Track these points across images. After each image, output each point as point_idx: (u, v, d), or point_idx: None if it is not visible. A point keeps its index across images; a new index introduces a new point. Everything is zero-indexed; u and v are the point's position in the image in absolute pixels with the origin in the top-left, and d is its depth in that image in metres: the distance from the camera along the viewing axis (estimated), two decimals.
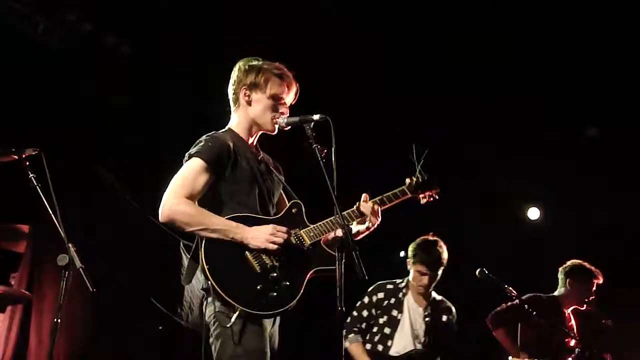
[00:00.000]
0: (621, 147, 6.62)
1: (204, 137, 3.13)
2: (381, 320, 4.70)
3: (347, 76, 6.03)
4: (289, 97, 3.25)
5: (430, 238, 4.83)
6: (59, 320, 3.24)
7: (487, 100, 6.43)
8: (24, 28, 5.30)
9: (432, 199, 3.44)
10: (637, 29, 5.63)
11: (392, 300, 4.74)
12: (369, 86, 6.23)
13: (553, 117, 6.56)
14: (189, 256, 3.08)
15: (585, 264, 5.35)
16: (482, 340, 5.74)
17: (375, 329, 4.70)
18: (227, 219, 2.95)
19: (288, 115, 3.20)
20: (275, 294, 2.87)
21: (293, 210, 3.15)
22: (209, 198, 3.03)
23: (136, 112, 5.94)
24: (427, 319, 4.74)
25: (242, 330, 2.83)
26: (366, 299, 4.75)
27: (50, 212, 3.33)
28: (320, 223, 3.10)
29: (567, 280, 5.37)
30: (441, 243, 4.80)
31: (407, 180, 3.39)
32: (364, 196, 3.27)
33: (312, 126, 2.97)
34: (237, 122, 3.24)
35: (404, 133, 6.57)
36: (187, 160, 3.05)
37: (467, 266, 4.90)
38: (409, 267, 4.88)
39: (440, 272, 4.76)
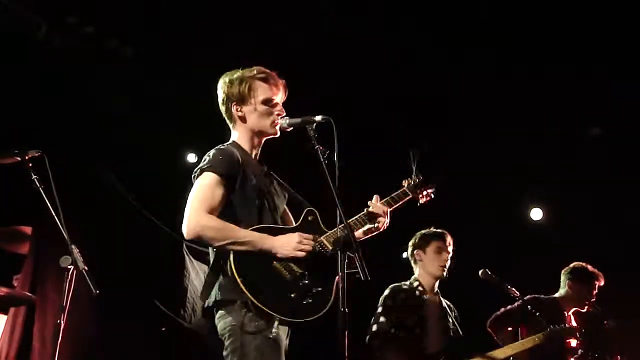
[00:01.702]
0: (623, 147, 6.62)
1: (213, 150, 3.12)
2: (408, 322, 4.60)
3: (347, 77, 6.04)
4: (280, 97, 3.23)
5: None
6: (62, 322, 3.25)
7: (487, 101, 6.43)
8: (26, 30, 5.31)
9: (430, 197, 3.48)
10: (638, 28, 5.63)
11: (414, 300, 4.67)
12: (368, 86, 6.23)
13: (554, 118, 6.56)
14: (192, 258, 3.09)
15: (588, 266, 5.35)
16: (481, 341, 5.73)
17: (403, 333, 4.57)
18: (251, 230, 2.96)
19: (285, 114, 3.19)
20: (310, 300, 2.89)
21: (309, 218, 3.16)
22: (226, 215, 3.01)
23: (138, 114, 5.95)
24: (446, 314, 4.73)
25: (261, 346, 2.82)
26: (389, 302, 4.66)
27: (53, 214, 3.34)
28: (338, 228, 3.09)
29: (568, 281, 5.38)
30: None
31: (405, 182, 3.41)
32: (375, 197, 3.28)
33: (314, 127, 2.97)
34: (238, 136, 3.23)
35: (404, 133, 6.61)
36: (199, 175, 3.03)
37: (470, 267, 4.91)
38: (418, 258, 4.82)
39: None
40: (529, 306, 4.83)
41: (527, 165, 6.92)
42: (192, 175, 3.09)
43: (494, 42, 5.90)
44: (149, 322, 5.69)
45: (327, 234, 3.10)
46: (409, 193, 3.40)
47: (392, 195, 3.35)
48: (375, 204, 3.25)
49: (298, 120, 3.08)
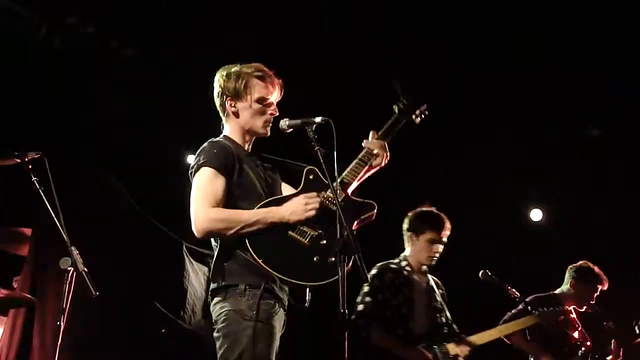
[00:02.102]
0: (624, 148, 6.62)
1: (206, 144, 3.13)
2: (395, 302, 4.50)
3: (347, 77, 6.04)
4: (275, 96, 3.23)
5: (430, 207, 4.74)
6: (62, 324, 3.25)
7: (488, 101, 6.42)
8: (26, 31, 5.31)
9: (424, 115, 3.44)
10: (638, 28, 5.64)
11: (402, 279, 4.56)
12: (368, 86, 6.22)
13: (555, 118, 6.56)
14: (191, 260, 3.09)
15: (595, 267, 5.34)
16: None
17: (389, 312, 4.48)
18: (257, 207, 2.96)
19: (278, 114, 3.20)
20: (333, 258, 2.84)
21: (310, 177, 3.15)
22: (227, 206, 3.01)
23: (138, 115, 5.95)
24: (433, 294, 4.66)
25: (255, 333, 2.82)
26: (376, 281, 4.52)
27: (53, 215, 3.34)
28: (343, 174, 3.10)
29: (572, 280, 5.36)
30: None
31: (395, 107, 3.37)
32: (371, 133, 3.28)
33: (314, 129, 2.97)
34: (230, 130, 3.24)
35: (405, 134, 6.60)
36: (196, 171, 3.04)
37: (470, 267, 4.90)
38: (410, 240, 4.70)
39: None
40: (529, 307, 4.82)
41: (527, 166, 6.92)
42: (189, 172, 3.10)
43: (494, 42, 5.90)
44: (148, 323, 5.69)
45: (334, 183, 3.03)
46: (402, 117, 3.36)
47: (386, 125, 3.33)
48: (372, 141, 3.24)
49: (298, 121, 3.07)
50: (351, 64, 5.93)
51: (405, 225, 4.78)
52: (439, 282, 4.84)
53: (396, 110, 3.37)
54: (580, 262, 5.45)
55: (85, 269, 3.24)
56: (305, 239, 2.94)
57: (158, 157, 6.13)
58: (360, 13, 5.67)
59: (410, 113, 3.39)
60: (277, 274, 2.84)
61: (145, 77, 5.85)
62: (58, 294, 3.37)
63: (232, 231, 2.91)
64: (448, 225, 4.64)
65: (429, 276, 4.77)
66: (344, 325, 2.61)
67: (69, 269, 3.33)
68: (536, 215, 7.60)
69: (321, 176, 3.11)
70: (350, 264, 2.75)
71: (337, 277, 2.75)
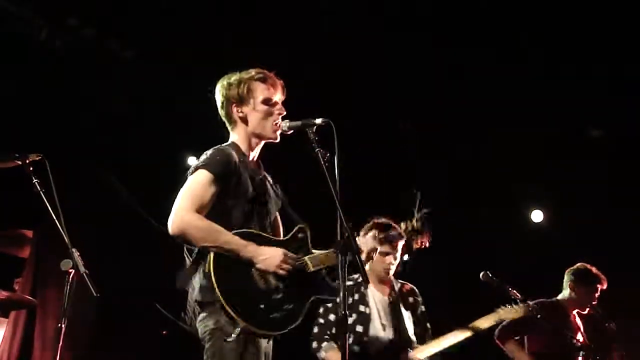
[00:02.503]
0: (625, 149, 6.62)
1: (210, 150, 3.10)
2: (350, 320, 4.41)
3: (348, 78, 6.04)
4: (279, 96, 3.22)
5: (382, 219, 4.62)
6: (63, 325, 3.25)
7: (489, 101, 6.43)
8: (27, 33, 5.32)
9: (423, 245, 3.41)
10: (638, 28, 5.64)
11: (357, 297, 4.50)
12: (368, 87, 6.23)
13: (556, 118, 6.56)
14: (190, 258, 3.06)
15: (592, 268, 5.32)
16: (485, 342, 5.73)
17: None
18: (235, 233, 2.93)
19: (285, 115, 3.18)
20: (278, 314, 2.86)
21: (299, 235, 3.13)
22: (214, 213, 2.99)
23: (139, 117, 5.96)
24: (394, 305, 4.57)
25: (240, 351, 2.80)
26: (329, 304, 4.46)
27: (54, 217, 3.34)
28: (324, 253, 3.08)
29: (571, 283, 5.35)
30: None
31: (402, 225, 3.37)
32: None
33: (314, 130, 2.95)
34: (237, 138, 3.21)
35: (406, 135, 6.61)
36: (193, 172, 3.01)
37: (471, 268, 4.89)
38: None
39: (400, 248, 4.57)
40: (530, 309, 4.81)
41: (528, 168, 6.91)
42: (187, 173, 3.07)
43: (494, 42, 5.90)
44: (149, 325, 5.69)
45: (312, 255, 3.07)
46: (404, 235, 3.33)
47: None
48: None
49: (298, 123, 3.06)
50: (351, 64, 5.93)
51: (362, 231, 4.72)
52: (415, 289, 4.77)
53: (402, 228, 3.37)
54: (577, 264, 5.44)
55: (86, 271, 3.24)
56: (264, 284, 2.91)
57: (158, 158, 6.14)
58: (360, 13, 5.68)
59: (413, 237, 3.43)
60: (221, 297, 2.78)
61: (145, 77, 5.86)
62: (59, 295, 3.37)
63: (203, 244, 2.88)
64: (402, 240, 4.52)
65: (399, 283, 4.72)
66: (345, 327, 2.61)
67: (70, 270, 3.34)
68: (537, 216, 7.59)
69: (309, 240, 3.12)
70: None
71: (272, 333, 2.86)
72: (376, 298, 4.57)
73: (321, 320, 4.46)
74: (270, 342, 3.05)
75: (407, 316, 4.58)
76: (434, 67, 6.13)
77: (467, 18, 5.77)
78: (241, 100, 3.15)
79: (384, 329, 4.48)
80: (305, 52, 5.71)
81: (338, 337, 4.32)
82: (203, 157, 3.07)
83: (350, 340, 4.38)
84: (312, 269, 3.03)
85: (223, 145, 3.17)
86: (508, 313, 4.62)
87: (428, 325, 4.67)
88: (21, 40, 5.29)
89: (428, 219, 3.35)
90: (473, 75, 6.16)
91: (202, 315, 2.91)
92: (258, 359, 2.87)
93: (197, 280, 2.94)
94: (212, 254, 2.86)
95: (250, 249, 2.90)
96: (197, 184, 2.97)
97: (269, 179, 3.31)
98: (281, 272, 2.91)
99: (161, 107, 6.04)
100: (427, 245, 3.33)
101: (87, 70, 5.62)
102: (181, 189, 2.99)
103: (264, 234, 3.04)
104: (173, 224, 2.92)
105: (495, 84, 6.22)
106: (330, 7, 5.55)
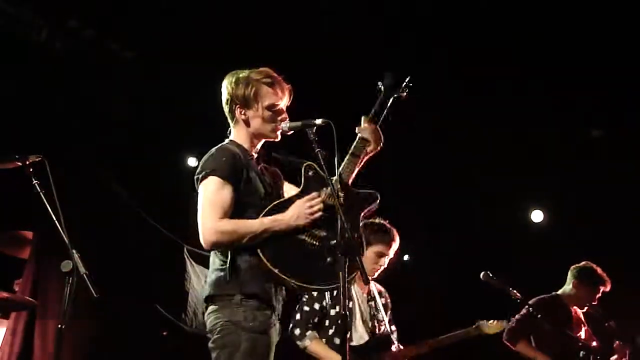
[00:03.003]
0: (625, 149, 6.62)
1: (213, 150, 3.08)
2: (333, 312, 4.46)
3: (347, 79, 6.04)
4: (284, 102, 3.20)
5: (381, 220, 4.67)
6: (63, 327, 3.25)
7: (489, 101, 6.43)
8: (27, 34, 5.32)
9: (408, 88, 3.38)
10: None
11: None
12: (367, 88, 6.22)
13: (556, 118, 6.56)
14: (193, 262, 3.07)
15: (597, 268, 5.32)
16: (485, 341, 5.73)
17: (327, 322, 4.45)
18: (262, 216, 2.94)
19: (288, 119, 3.17)
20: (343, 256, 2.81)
21: (310, 174, 3.11)
22: (235, 215, 2.99)
23: (139, 117, 5.96)
24: (372, 303, 4.63)
25: (253, 344, 2.81)
26: (315, 292, 4.42)
27: (54, 218, 3.34)
28: (340, 169, 3.07)
29: (575, 280, 5.35)
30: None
31: (379, 86, 3.33)
32: (363, 119, 3.22)
33: (314, 130, 2.95)
34: (237, 136, 3.20)
35: (406, 135, 6.61)
36: (203, 178, 2.99)
37: (471, 269, 4.90)
38: None
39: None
40: (531, 309, 4.82)
41: (529, 168, 6.92)
42: (195, 178, 3.05)
43: (494, 42, 5.90)
44: (150, 326, 5.69)
45: (333, 180, 2.99)
46: (389, 95, 3.31)
47: (374, 107, 3.27)
48: (363, 127, 3.19)
49: (298, 123, 3.06)
50: (351, 64, 5.93)
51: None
52: (383, 290, 4.81)
53: (381, 89, 3.32)
54: (583, 262, 5.43)
55: (87, 272, 3.24)
56: (315, 241, 2.93)
57: (158, 159, 6.14)
58: (360, 13, 5.68)
59: (395, 88, 3.33)
60: (297, 282, 2.84)
61: (145, 77, 5.86)
62: (59, 296, 3.37)
63: (240, 243, 2.89)
64: (397, 240, 4.63)
65: (372, 285, 4.72)
66: (345, 326, 2.61)
67: (71, 271, 3.33)
68: (537, 216, 7.60)
69: (320, 171, 3.07)
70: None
71: (353, 275, 2.81)
72: (358, 293, 4.61)
73: (306, 308, 4.45)
74: (277, 336, 3.02)
75: (383, 314, 4.63)
76: (433, 66, 6.13)
77: (467, 18, 5.78)
78: (246, 103, 3.13)
79: (366, 324, 4.53)
80: (305, 52, 5.71)
81: (338, 335, 4.37)
82: (209, 159, 3.05)
83: (331, 332, 4.42)
84: (341, 192, 2.96)
85: (225, 143, 3.16)
86: (488, 328, 4.70)
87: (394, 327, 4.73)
88: (21, 41, 5.29)
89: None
90: (473, 75, 6.16)
91: (213, 307, 2.91)
92: (269, 350, 2.88)
93: (212, 276, 2.96)
94: (258, 249, 2.87)
95: (279, 221, 2.92)
96: (211, 193, 2.95)
97: (267, 168, 3.28)
98: (314, 216, 2.93)
99: (161, 108, 6.04)
100: (411, 84, 3.33)
101: (87, 71, 5.62)
102: (199, 203, 2.98)
103: (282, 199, 3.05)
104: (204, 240, 2.92)
105: (495, 83, 6.22)
106: (330, 7, 5.55)
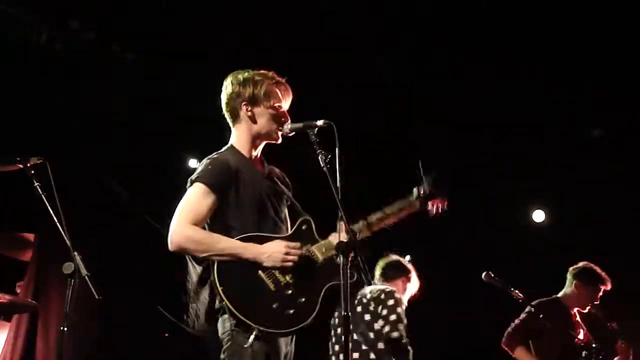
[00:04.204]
0: (625, 149, 6.62)
1: (205, 160, 3.10)
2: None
3: (348, 79, 6.05)
4: (287, 104, 3.22)
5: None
6: (65, 328, 3.25)
7: (490, 102, 6.43)
8: (27, 35, 5.32)
9: (439, 209, 3.22)
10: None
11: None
12: (368, 89, 6.23)
13: (556, 118, 6.56)
14: (194, 264, 3.06)
15: (596, 268, 5.30)
16: (486, 343, 5.74)
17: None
18: (237, 239, 2.93)
19: (290, 121, 3.18)
20: (292, 311, 2.84)
21: (303, 227, 3.10)
22: (218, 224, 3.00)
23: (139, 118, 5.96)
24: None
25: (258, 352, 2.80)
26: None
27: (56, 221, 3.34)
28: (329, 237, 3.04)
29: (575, 281, 5.33)
30: None
31: (415, 191, 3.19)
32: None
33: (315, 132, 2.95)
34: (238, 137, 3.20)
35: (406, 135, 6.61)
36: (189, 186, 3.02)
37: (472, 269, 4.90)
38: None
39: None
40: (532, 310, 4.81)
41: (530, 168, 6.91)
42: (186, 186, 3.07)
43: (495, 43, 5.90)
44: (151, 327, 5.69)
45: (320, 243, 3.03)
46: (416, 204, 3.18)
47: (387, 208, 3.15)
48: (414, 203, 3.13)
49: (300, 125, 3.06)
50: (351, 64, 5.93)
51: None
52: None
53: (414, 195, 3.18)
54: (581, 263, 5.42)
55: (88, 274, 3.24)
56: (272, 284, 2.89)
57: (159, 160, 6.14)
58: (360, 13, 5.67)
59: (426, 202, 3.18)
60: (229, 305, 2.79)
61: (145, 78, 5.86)
62: (61, 298, 3.38)
63: (203, 255, 2.91)
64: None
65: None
66: (348, 328, 2.62)
67: (72, 273, 3.34)
68: (539, 216, 7.59)
69: (314, 231, 3.08)
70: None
71: (288, 330, 2.84)
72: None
73: None
74: (292, 343, 3.04)
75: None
76: (434, 66, 6.13)
77: (467, 18, 5.78)
78: (254, 101, 3.14)
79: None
80: (306, 52, 5.71)
81: (340, 338, 4.39)
82: (198, 168, 3.07)
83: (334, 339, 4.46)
84: (321, 258, 2.99)
85: (219, 152, 3.16)
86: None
87: None
88: (22, 43, 5.29)
89: (437, 181, 3.23)
90: (473, 75, 6.16)
91: (225, 316, 2.91)
92: (278, 357, 2.88)
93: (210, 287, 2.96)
94: (215, 264, 2.87)
95: (251, 250, 2.90)
96: (191, 196, 2.99)
97: (276, 171, 3.30)
98: (287, 264, 2.89)
99: (162, 109, 6.03)
100: (445, 207, 3.18)
101: (87, 72, 5.62)
102: (177, 206, 2.99)
103: (265, 234, 3.01)
104: (170, 240, 2.96)
105: (495, 83, 6.22)
106: (330, 7, 5.55)
